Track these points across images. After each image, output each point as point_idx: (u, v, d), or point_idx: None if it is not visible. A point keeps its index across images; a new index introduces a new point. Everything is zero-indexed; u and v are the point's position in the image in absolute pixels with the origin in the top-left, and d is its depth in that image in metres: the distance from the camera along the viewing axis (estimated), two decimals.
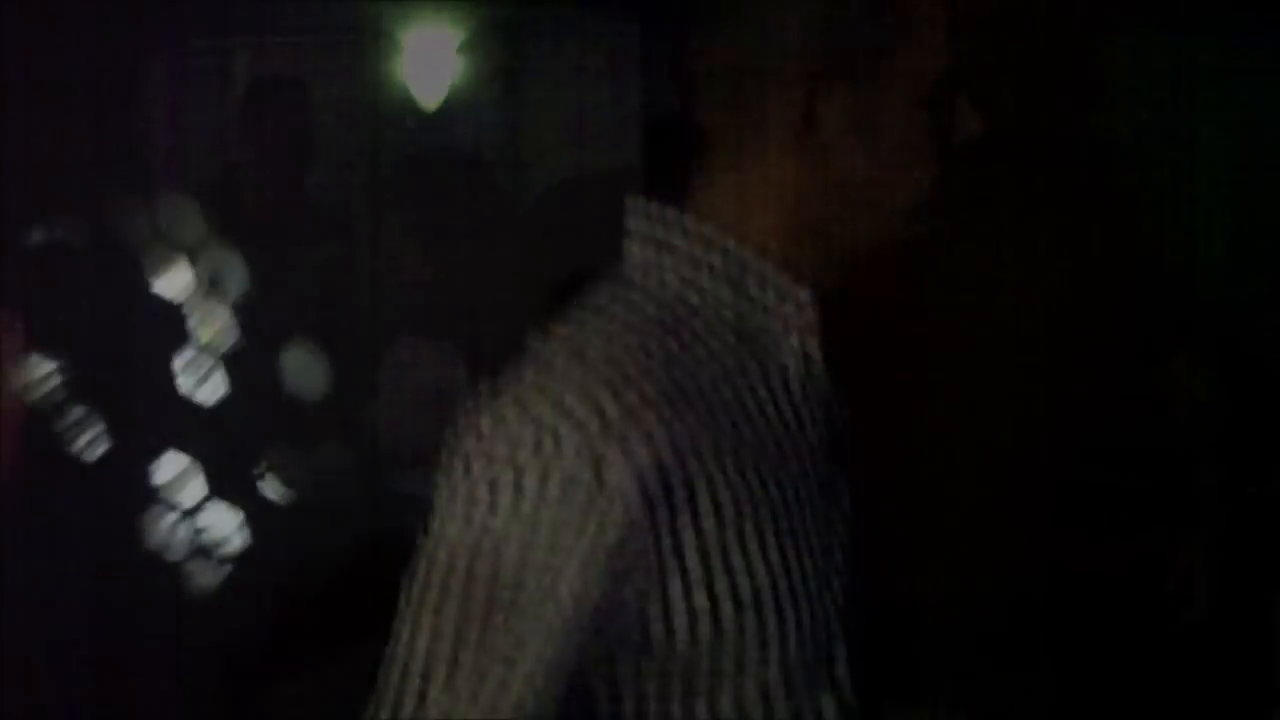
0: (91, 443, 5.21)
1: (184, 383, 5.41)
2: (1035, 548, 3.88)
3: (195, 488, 5.38)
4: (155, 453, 5.31)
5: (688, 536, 1.55)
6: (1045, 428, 3.85)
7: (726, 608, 1.56)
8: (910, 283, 3.03)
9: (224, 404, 5.44)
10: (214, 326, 5.49)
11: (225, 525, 5.40)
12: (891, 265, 1.90)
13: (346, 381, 5.52)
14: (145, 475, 5.28)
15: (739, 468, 1.60)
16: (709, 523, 1.55)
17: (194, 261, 5.47)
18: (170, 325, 5.39)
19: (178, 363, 5.40)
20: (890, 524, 2.44)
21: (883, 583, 1.99)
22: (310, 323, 5.53)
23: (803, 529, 1.66)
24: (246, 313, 5.51)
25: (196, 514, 5.37)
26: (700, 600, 1.56)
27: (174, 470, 5.34)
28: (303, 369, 5.50)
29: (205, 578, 5.31)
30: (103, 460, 5.19)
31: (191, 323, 5.44)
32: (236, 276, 5.53)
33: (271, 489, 5.45)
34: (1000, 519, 3.79)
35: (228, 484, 5.39)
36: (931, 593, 3.67)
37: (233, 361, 5.47)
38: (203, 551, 5.35)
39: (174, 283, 5.43)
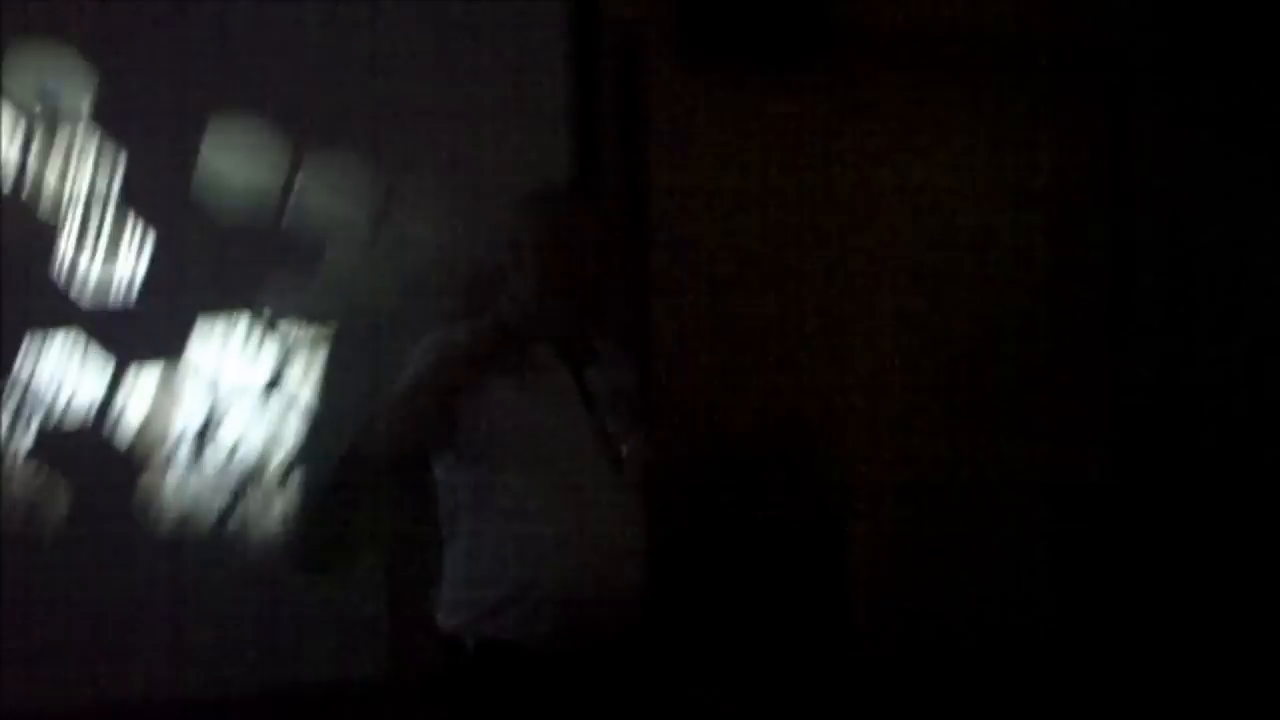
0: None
1: (87, 271, 3.61)
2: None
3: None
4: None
5: None
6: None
7: None
8: None
9: (158, 258, 3.65)
10: (75, 163, 3.63)
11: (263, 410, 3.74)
12: None
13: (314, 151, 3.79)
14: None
15: None
16: None
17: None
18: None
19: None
20: None
21: None
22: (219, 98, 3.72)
23: None
24: (118, 119, 3.65)
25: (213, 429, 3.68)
26: None
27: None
28: (240, 158, 3.69)
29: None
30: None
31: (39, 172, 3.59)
32: (75, 81, 3.62)
33: (292, 337, 3.75)
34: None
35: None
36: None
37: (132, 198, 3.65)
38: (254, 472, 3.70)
39: None
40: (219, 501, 3.66)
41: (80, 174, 3.60)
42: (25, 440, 3.53)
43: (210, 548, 3.64)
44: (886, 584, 4.22)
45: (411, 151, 3.83)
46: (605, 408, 2.88)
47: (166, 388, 3.64)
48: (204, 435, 3.67)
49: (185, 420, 3.65)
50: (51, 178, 3.58)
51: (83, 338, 3.58)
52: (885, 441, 4.30)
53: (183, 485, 3.65)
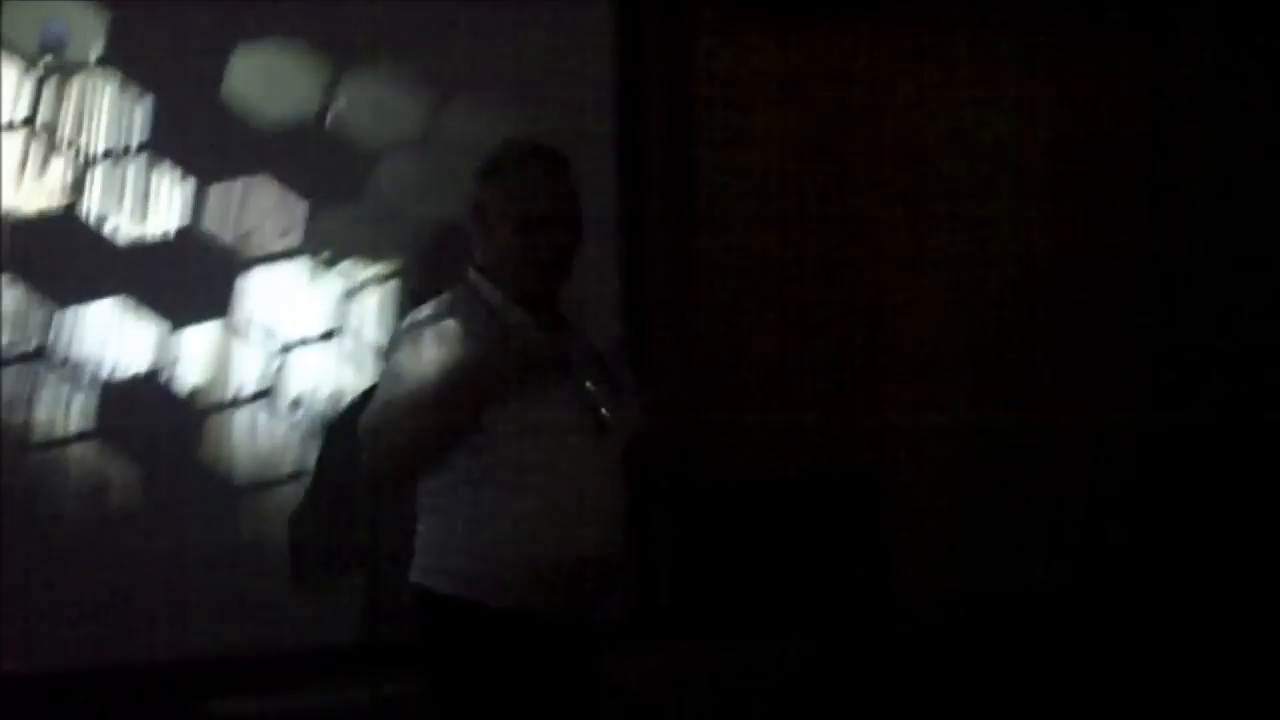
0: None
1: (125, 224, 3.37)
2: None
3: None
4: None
5: None
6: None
7: None
8: None
9: (196, 206, 3.40)
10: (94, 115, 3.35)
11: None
12: None
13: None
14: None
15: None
16: None
17: None
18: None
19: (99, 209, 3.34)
20: None
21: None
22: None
23: None
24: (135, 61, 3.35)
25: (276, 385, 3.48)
26: None
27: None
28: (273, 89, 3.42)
29: None
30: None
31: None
32: (82, 25, 3.31)
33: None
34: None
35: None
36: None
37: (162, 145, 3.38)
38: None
39: None
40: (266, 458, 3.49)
41: (101, 126, 3.32)
42: (73, 413, 3.35)
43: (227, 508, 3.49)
44: (926, 540, 4.16)
45: (447, 99, 3.66)
46: (584, 373, 2.82)
47: (219, 344, 3.42)
48: (264, 393, 3.47)
49: (241, 378, 3.45)
50: (70, 133, 3.31)
51: (128, 301, 3.35)
52: (925, 396, 4.23)
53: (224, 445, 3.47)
